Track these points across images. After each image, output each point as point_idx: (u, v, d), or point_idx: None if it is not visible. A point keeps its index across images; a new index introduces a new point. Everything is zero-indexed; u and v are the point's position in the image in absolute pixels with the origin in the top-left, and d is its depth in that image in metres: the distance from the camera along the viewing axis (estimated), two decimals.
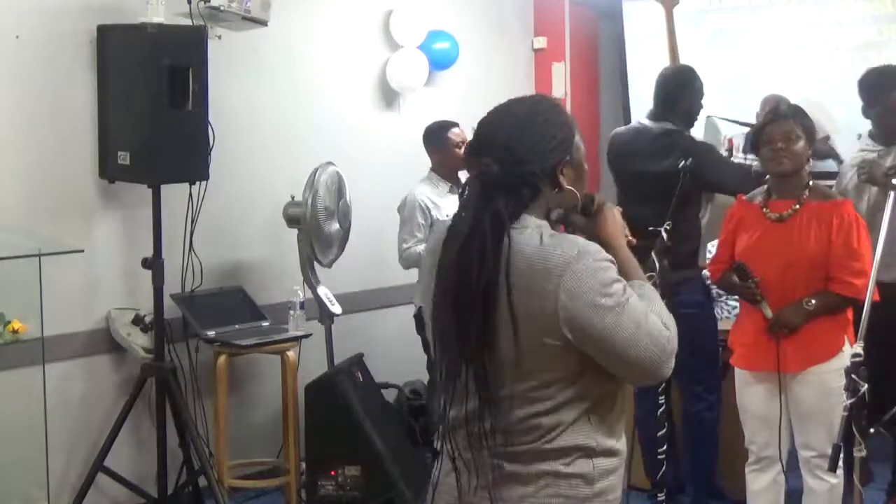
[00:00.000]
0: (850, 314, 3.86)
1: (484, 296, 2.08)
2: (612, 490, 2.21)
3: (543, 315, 2.07)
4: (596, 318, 2.07)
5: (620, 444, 2.23)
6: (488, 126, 2.29)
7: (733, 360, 4.05)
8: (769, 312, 3.81)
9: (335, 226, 4.92)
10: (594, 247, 2.13)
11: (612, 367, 2.13)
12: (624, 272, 2.18)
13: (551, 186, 2.18)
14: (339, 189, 4.96)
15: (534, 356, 2.10)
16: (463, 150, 5.31)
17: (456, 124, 5.36)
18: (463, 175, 5.40)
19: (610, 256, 2.14)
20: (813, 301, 3.75)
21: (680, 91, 4.66)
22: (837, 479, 3.77)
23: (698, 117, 4.78)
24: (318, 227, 4.84)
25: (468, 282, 2.08)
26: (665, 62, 5.17)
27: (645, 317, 2.11)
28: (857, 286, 3.71)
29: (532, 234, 2.12)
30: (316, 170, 4.88)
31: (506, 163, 2.15)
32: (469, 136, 5.28)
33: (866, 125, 4.62)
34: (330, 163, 5.00)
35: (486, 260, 2.07)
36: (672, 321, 2.19)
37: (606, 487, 2.19)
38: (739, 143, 5.27)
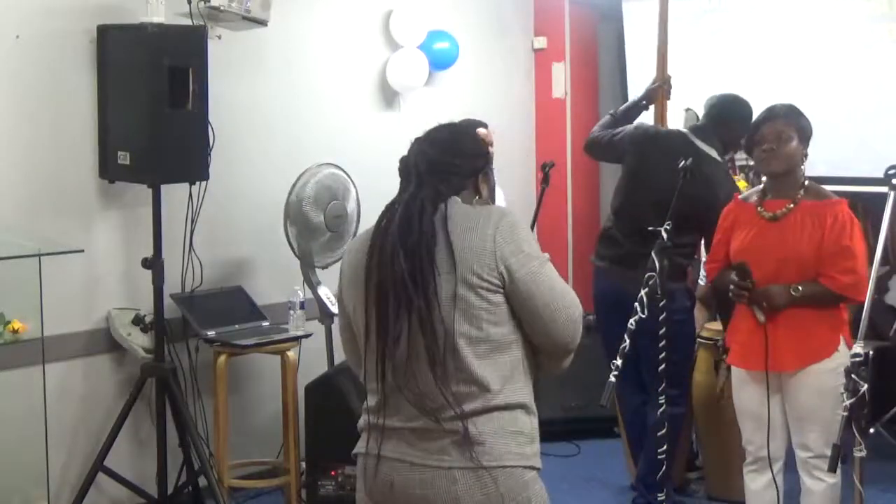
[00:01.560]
0: (844, 314, 3.86)
1: (427, 241, 2.39)
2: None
3: (483, 253, 2.39)
4: (524, 261, 2.40)
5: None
6: (419, 140, 2.69)
7: (730, 359, 4.06)
8: (762, 318, 3.81)
9: (320, 218, 4.91)
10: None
11: (531, 321, 2.42)
12: None
13: (473, 189, 2.57)
14: (331, 191, 4.95)
15: (470, 292, 2.37)
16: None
17: (483, 124, 5.35)
18: None
19: None
20: (800, 287, 3.75)
21: (744, 123, 4.45)
22: (835, 479, 3.77)
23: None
24: (303, 220, 4.85)
25: (411, 232, 2.41)
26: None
27: (559, 279, 2.46)
28: (842, 282, 3.71)
29: (465, 205, 2.49)
30: (309, 169, 4.91)
31: (442, 154, 2.57)
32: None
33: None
34: (328, 164, 5.00)
35: (426, 213, 2.42)
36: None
37: (539, 463, 2.45)
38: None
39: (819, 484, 3.83)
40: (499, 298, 2.39)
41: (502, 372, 2.40)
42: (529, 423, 2.44)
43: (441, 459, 2.38)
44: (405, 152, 2.69)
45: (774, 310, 3.77)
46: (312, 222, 4.90)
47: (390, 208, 2.52)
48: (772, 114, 3.86)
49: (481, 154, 2.63)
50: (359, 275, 2.50)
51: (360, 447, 2.55)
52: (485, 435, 2.36)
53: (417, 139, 2.68)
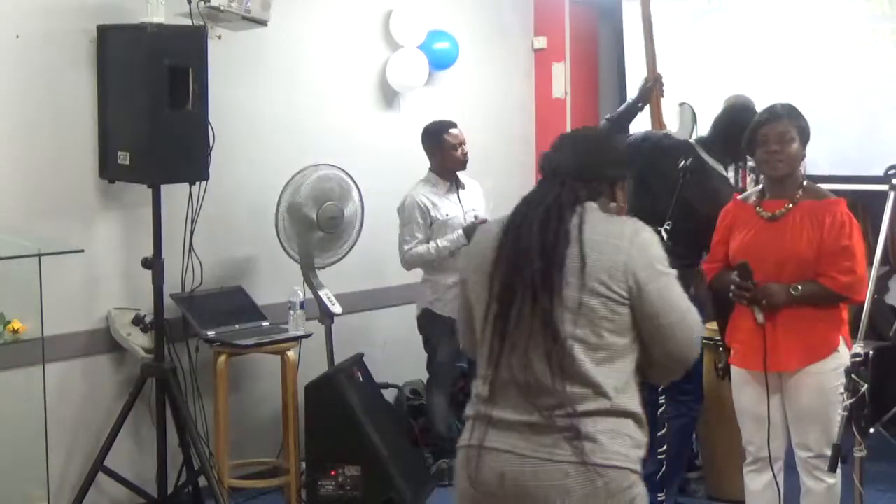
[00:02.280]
0: (844, 314, 3.86)
1: (561, 245, 2.45)
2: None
3: (614, 265, 2.44)
4: (653, 276, 2.45)
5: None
6: (565, 139, 2.71)
7: (730, 359, 4.06)
8: (761, 318, 3.80)
9: (312, 218, 4.90)
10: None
11: (652, 336, 2.47)
12: None
13: (610, 197, 2.62)
14: (326, 192, 4.94)
15: (596, 300, 2.43)
16: (460, 151, 5.33)
17: (453, 124, 5.36)
18: (462, 175, 5.42)
19: None
20: (799, 287, 3.74)
21: (738, 131, 4.50)
22: (835, 480, 3.77)
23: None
24: (296, 220, 4.87)
25: (548, 233, 2.47)
26: (664, 62, 5.17)
27: (685, 298, 2.51)
28: (842, 281, 3.71)
29: (603, 213, 2.55)
30: (304, 169, 4.93)
31: (588, 158, 2.61)
32: (465, 136, 5.35)
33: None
34: (326, 165, 5.00)
35: (564, 217, 2.49)
36: None
37: (640, 465, 2.49)
38: None
39: (819, 484, 3.83)
40: (623, 310, 2.45)
41: (617, 380, 2.46)
42: (639, 432, 2.50)
43: (553, 453, 2.42)
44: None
45: (773, 308, 3.77)
46: (304, 222, 4.90)
47: (528, 203, 2.57)
48: (773, 115, 3.84)
49: (623, 162, 2.71)
50: (485, 264, 2.56)
51: (463, 439, 2.57)
52: (598, 434, 2.41)
53: (563, 137, 2.72)
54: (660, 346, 2.50)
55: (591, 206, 2.54)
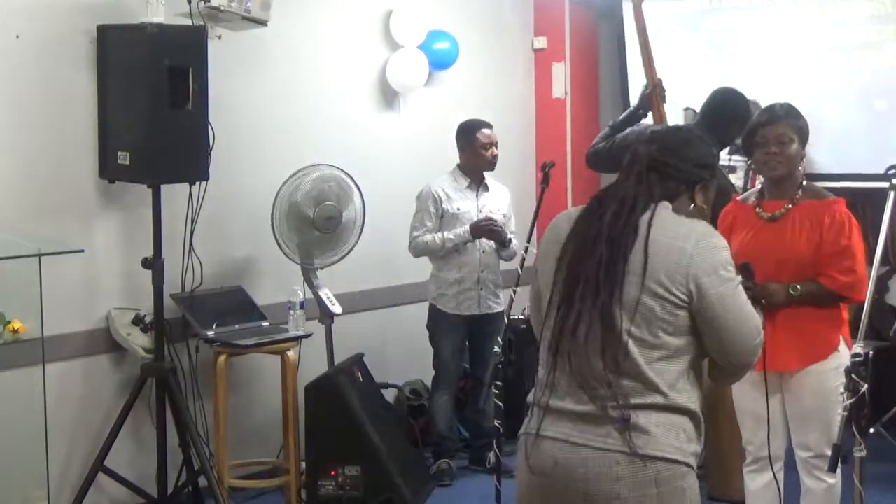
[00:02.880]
0: (845, 314, 3.86)
1: (627, 241, 2.48)
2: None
3: (676, 268, 2.46)
4: (716, 282, 2.47)
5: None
6: (655, 134, 2.80)
7: None
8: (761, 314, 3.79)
9: (309, 217, 4.90)
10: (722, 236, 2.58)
11: (711, 340, 2.50)
12: None
13: (688, 196, 2.63)
14: (324, 192, 4.94)
15: (655, 302, 2.45)
16: (490, 152, 5.35)
17: (488, 125, 5.40)
18: (490, 179, 5.43)
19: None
20: (798, 287, 3.74)
21: (736, 124, 4.52)
22: (835, 480, 3.77)
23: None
24: (292, 219, 4.88)
25: (617, 226, 2.49)
26: (664, 62, 5.17)
27: (749, 302, 2.55)
28: (841, 281, 3.71)
29: (675, 215, 2.56)
30: (303, 168, 4.94)
31: (666, 156, 2.61)
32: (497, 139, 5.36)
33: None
34: (325, 165, 5.00)
35: (635, 212, 2.51)
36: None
37: (695, 463, 2.53)
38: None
39: (819, 484, 3.83)
40: (682, 313, 2.48)
41: (671, 377, 2.49)
42: (693, 427, 2.54)
43: (605, 443, 2.46)
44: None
45: (773, 308, 3.77)
46: (302, 222, 4.90)
47: (606, 194, 2.61)
48: (773, 116, 3.83)
49: (707, 165, 2.68)
50: (556, 250, 2.59)
51: (524, 426, 2.63)
52: (650, 426, 2.46)
53: (654, 132, 2.79)
54: (720, 352, 2.54)
55: (665, 205, 2.57)
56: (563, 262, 2.56)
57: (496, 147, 5.39)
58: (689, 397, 2.52)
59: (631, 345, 2.46)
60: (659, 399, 2.47)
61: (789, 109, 3.86)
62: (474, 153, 5.36)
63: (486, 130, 5.39)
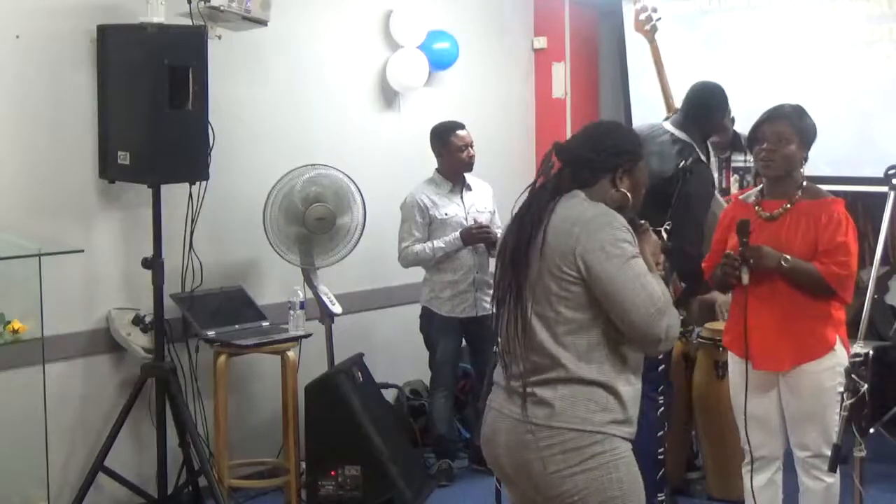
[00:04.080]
0: (841, 314, 3.86)
1: (528, 234, 2.73)
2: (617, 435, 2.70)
3: (566, 248, 2.67)
4: (602, 259, 2.64)
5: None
6: (579, 129, 2.94)
7: (727, 346, 4.03)
8: (746, 279, 3.77)
9: (299, 217, 4.91)
10: (621, 217, 2.72)
11: (611, 313, 2.66)
12: None
13: (610, 183, 2.80)
14: (317, 194, 4.93)
15: (552, 280, 2.67)
16: (466, 153, 5.33)
17: (461, 126, 5.37)
18: (471, 177, 5.42)
19: (631, 230, 2.71)
20: (789, 258, 3.72)
21: (704, 110, 4.56)
22: (833, 479, 3.77)
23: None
24: (281, 218, 4.89)
25: (525, 216, 2.78)
26: (664, 61, 5.18)
27: (644, 276, 2.66)
28: (835, 271, 3.70)
29: (576, 200, 2.76)
30: (297, 168, 4.94)
31: (578, 148, 2.83)
32: (472, 138, 5.36)
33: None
34: (325, 166, 5.00)
35: (542, 201, 2.77)
36: (669, 298, 2.71)
37: (614, 430, 2.68)
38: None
39: (818, 484, 3.83)
40: (577, 288, 2.67)
41: (577, 351, 2.68)
42: (607, 397, 2.68)
43: (518, 414, 2.72)
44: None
45: (760, 269, 3.74)
46: (293, 222, 4.90)
47: (535, 188, 2.84)
48: (776, 114, 3.83)
49: (623, 152, 2.83)
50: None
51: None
52: (555, 400, 2.67)
53: (581, 128, 2.95)
54: (621, 323, 2.67)
55: (575, 194, 2.77)
56: (500, 254, 2.86)
57: (472, 147, 5.36)
58: (599, 369, 2.68)
59: (535, 321, 2.71)
60: (562, 373, 2.67)
61: (795, 110, 3.85)
62: (451, 156, 5.32)
63: (460, 132, 5.35)
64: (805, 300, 3.78)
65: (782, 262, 3.73)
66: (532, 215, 2.76)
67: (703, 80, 4.72)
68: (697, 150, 4.51)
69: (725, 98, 4.64)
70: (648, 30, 5.35)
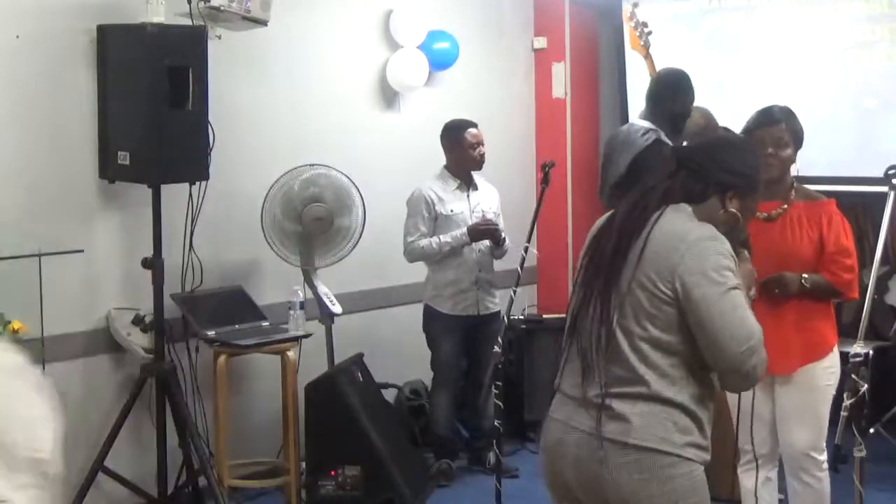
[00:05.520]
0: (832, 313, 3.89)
1: (627, 240, 2.58)
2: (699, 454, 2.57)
3: (667, 266, 2.52)
4: (702, 284, 2.50)
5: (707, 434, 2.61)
6: (705, 138, 2.87)
7: None
8: (753, 293, 3.78)
9: (297, 217, 4.91)
10: (728, 244, 2.58)
11: (700, 340, 2.52)
12: None
13: (719, 201, 2.65)
14: (315, 194, 4.93)
15: (644, 295, 2.53)
16: (477, 151, 5.35)
17: (474, 124, 5.39)
18: (478, 178, 5.43)
19: (735, 258, 2.58)
20: (806, 276, 3.76)
21: (668, 92, 4.65)
22: (823, 478, 3.78)
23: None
24: (279, 218, 4.89)
25: (630, 219, 2.61)
26: (663, 62, 5.17)
27: (743, 309, 2.53)
28: (845, 279, 3.76)
29: (685, 215, 2.61)
30: (297, 168, 4.94)
31: (700, 157, 2.68)
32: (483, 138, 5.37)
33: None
34: (325, 166, 5.00)
35: (648, 208, 2.60)
36: (762, 337, 2.55)
37: (692, 454, 2.55)
38: None
39: (806, 484, 3.84)
40: (669, 309, 2.54)
41: (661, 370, 2.55)
42: (688, 420, 2.56)
43: (592, 428, 2.58)
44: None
45: (785, 297, 3.78)
46: (291, 222, 4.90)
47: (639, 190, 2.70)
48: (771, 118, 3.86)
49: (745, 175, 2.69)
50: (588, 244, 2.75)
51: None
52: (633, 416, 2.54)
53: (707, 136, 2.87)
54: (707, 354, 2.55)
55: (680, 207, 2.62)
56: (588, 254, 2.71)
57: (483, 146, 5.39)
58: (681, 391, 2.55)
59: (619, 333, 2.56)
60: (643, 389, 2.54)
61: (787, 113, 3.89)
62: (462, 153, 5.35)
63: (472, 130, 5.38)
64: (810, 302, 3.80)
65: (803, 283, 3.77)
66: (635, 221, 2.61)
67: (666, 67, 4.79)
68: (661, 133, 4.54)
69: (687, 81, 4.69)
70: (643, 45, 5.37)
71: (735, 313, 2.51)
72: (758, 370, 2.55)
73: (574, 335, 2.67)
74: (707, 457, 2.61)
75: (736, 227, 2.68)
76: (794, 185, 3.91)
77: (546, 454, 2.73)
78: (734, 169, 2.67)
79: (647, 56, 5.27)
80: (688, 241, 2.54)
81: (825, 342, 3.81)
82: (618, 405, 2.55)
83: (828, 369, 3.73)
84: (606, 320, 2.57)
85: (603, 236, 2.68)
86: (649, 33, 5.30)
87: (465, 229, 5.25)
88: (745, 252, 2.79)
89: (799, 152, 3.88)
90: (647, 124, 4.60)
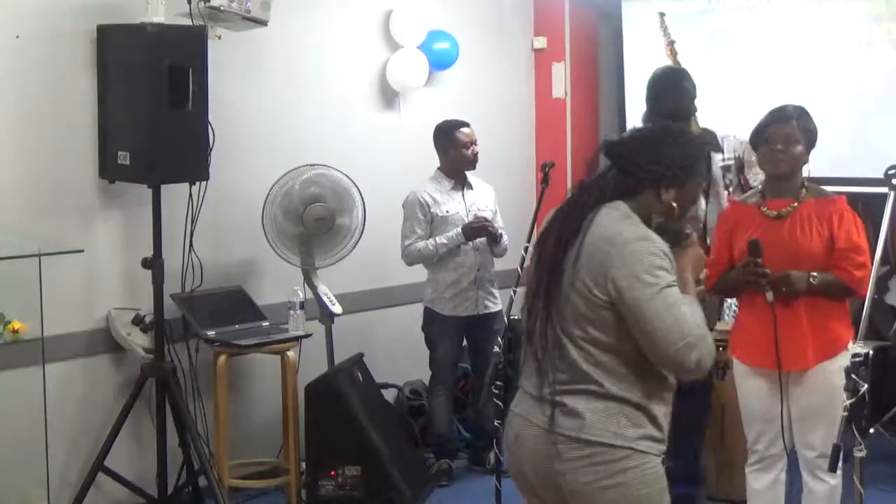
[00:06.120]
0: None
1: (565, 243, 2.63)
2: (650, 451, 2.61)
3: (599, 270, 2.56)
4: (635, 287, 2.52)
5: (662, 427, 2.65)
6: (631, 132, 2.87)
7: (737, 355, 4.04)
8: (770, 297, 3.80)
9: (298, 216, 4.91)
10: (660, 241, 2.60)
11: (639, 340, 2.56)
12: (682, 290, 2.62)
13: (655, 195, 2.66)
14: (316, 194, 4.94)
15: (580, 299, 2.59)
16: (470, 150, 5.35)
17: (466, 124, 5.39)
18: (472, 177, 5.43)
19: (669, 252, 2.59)
20: (816, 275, 3.77)
21: (666, 91, 4.63)
22: (837, 480, 3.77)
23: (691, 118, 4.75)
24: (280, 218, 4.90)
25: (566, 223, 2.66)
26: (663, 62, 5.18)
27: (677, 306, 2.54)
28: (856, 277, 3.75)
29: (618, 214, 2.62)
30: (298, 168, 4.95)
31: (630, 153, 2.69)
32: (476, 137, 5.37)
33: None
34: (326, 166, 5.00)
35: (584, 210, 2.64)
36: (706, 330, 2.59)
37: (646, 447, 2.60)
38: None
39: (822, 484, 3.83)
40: (606, 313, 2.58)
41: (609, 370, 2.60)
42: (639, 414, 2.61)
43: (547, 423, 2.65)
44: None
45: (792, 295, 3.78)
46: (293, 222, 4.90)
47: (578, 189, 2.75)
48: (783, 115, 3.87)
49: (675, 165, 2.67)
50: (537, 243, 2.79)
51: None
52: (584, 411, 2.60)
53: (636, 128, 2.86)
54: (648, 352, 2.58)
55: (614, 205, 2.64)
56: (534, 256, 2.77)
57: (476, 145, 5.38)
58: (630, 388, 2.60)
59: (564, 337, 2.62)
60: (594, 388, 2.60)
61: (801, 112, 3.89)
62: (455, 153, 5.34)
63: (465, 129, 5.37)
64: (824, 300, 3.81)
65: (811, 281, 3.77)
66: (572, 223, 2.64)
67: (660, 66, 4.85)
68: None
69: (676, 79, 4.70)
70: (671, 53, 5.41)
71: (669, 312, 2.53)
72: (703, 363, 2.58)
73: (529, 337, 2.72)
74: (663, 447, 2.66)
75: (673, 216, 2.68)
76: (806, 184, 3.90)
77: (508, 448, 2.81)
78: (663, 160, 2.66)
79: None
80: (618, 245, 2.56)
81: (839, 340, 3.80)
82: (570, 402, 2.61)
83: (842, 370, 3.70)
84: (551, 325, 2.64)
85: (547, 238, 2.72)
86: (673, 42, 5.33)
87: (459, 229, 5.24)
88: (693, 236, 2.77)
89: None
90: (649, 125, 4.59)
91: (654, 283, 2.53)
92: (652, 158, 2.66)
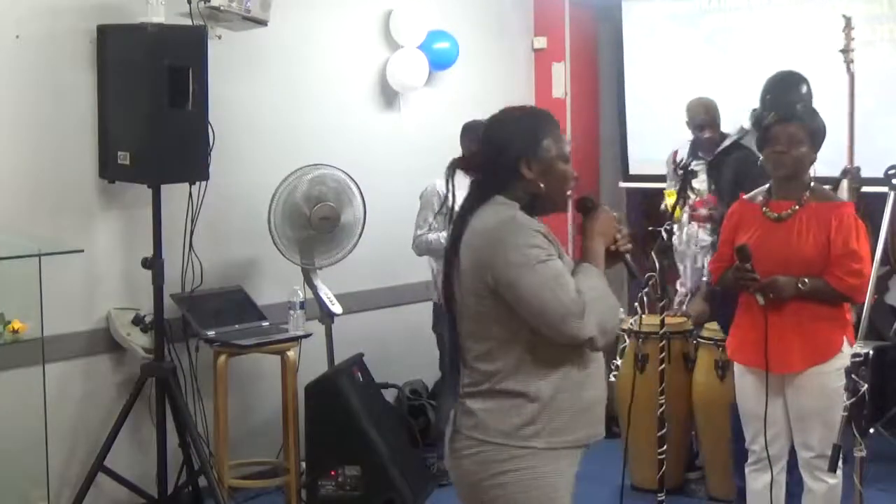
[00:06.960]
0: (849, 315, 3.86)
1: (454, 249, 2.69)
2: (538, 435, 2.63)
3: (475, 263, 2.62)
4: (509, 269, 2.55)
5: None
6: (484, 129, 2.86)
7: (731, 356, 4.05)
8: (762, 300, 3.80)
9: (305, 216, 4.91)
10: (527, 220, 2.62)
11: (527, 319, 2.58)
12: (586, 259, 2.68)
13: (514, 175, 2.67)
14: (321, 193, 4.94)
15: (471, 297, 2.64)
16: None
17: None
18: None
19: (541, 229, 2.61)
20: (806, 281, 3.75)
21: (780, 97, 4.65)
22: (836, 480, 3.77)
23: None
24: (288, 218, 4.90)
25: (455, 230, 2.71)
26: (663, 62, 5.19)
27: (555, 279, 2.55)
28: (848, 283, 3.73)
29: (494, 208, 2.65)
30: (301, 168, 4.94)
31: (476, 158, 2.78)
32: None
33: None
34: (326, 166, 5.00)
35: (465, 215, 2.70)
36: (599, 294, 2.58)
37: (548, 437, 2.63)
38: (683, 154, 5.30)
39: (821, 485, 3.83)
40: (490, 302, 2.62)
41: (504, 364, 2.64)
42: (534, 409, 2.62)
43: (455, 423, 2.74)
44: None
45: (780, 301, 3.77)
46: (298, 222, 4.90)
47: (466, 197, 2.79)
48: (788, 115, 3.86)
49: (512, 142, 2.70)
50: None
51: None
52: (479, 411, 2.66)
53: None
54: (542, 332, 2.59)
55: (494, 200, 2.67)
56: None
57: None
58: (525, 381, 2.62)
59: (465, 338, 2.70)
60: (489, 386, 2.65)
61: (808, 111, 3.87)
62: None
63: None
64: (814, 305, 3.80)
65: (800, 286, 3.76)
66: (458, 229, 2.70)
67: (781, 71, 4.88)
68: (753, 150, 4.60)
69: (801, 80, 4.79)
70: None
71: (545, 286, 2.53)
72: (604, 325, 2.58)
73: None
74: (562, 439, 2.64)
75: (541, 192, 2.67)
76: (811, 185, 3.89)
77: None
78: (497, 146, 2.71)
79: None
80: (486, 235, 2.61)
81: (831, 344, 3.78)
82: (470, 402, 2.68)
83: (839, 371, 3.69)
84: (454, 330, 2.71)
85: (447, 249, 2.76)
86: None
87: None
88: (604, 205, 2.79)
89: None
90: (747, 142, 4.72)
91: (525, 263, 2.55)
92: (489, 149, 2.73)
